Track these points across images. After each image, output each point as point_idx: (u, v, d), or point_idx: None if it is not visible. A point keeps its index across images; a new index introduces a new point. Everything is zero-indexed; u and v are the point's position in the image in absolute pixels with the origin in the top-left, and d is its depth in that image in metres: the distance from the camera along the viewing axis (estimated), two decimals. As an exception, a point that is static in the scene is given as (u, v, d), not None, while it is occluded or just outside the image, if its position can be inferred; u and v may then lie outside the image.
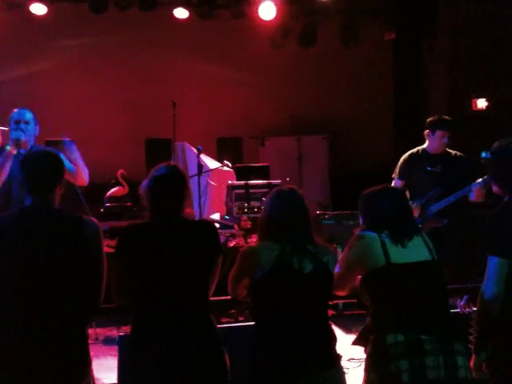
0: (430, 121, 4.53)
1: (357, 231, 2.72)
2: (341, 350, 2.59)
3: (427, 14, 7.28)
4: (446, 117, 4.65)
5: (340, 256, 2.75)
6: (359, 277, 2.68)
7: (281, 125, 8.13)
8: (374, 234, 2.62)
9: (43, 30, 7.42)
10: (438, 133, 4.44)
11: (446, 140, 4.45)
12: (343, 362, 2.62)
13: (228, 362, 2.48)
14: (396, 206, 2.69)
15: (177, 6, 7.37)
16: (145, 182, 2.50)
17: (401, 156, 4.75)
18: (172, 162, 2.69)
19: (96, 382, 2.94)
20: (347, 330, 4.49)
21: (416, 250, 2.62)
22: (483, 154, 3.60)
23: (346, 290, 2.76)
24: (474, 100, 7.16)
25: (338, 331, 2.69)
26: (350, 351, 3.50)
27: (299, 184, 7.58)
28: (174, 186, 2.48)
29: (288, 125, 8.10)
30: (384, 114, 8.16)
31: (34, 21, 7.20)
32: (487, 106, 7.17)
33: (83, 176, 3.74)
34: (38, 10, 7.11)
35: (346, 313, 5.22)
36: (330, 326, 2.56)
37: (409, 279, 2.56)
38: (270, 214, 2.58)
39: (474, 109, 7.07)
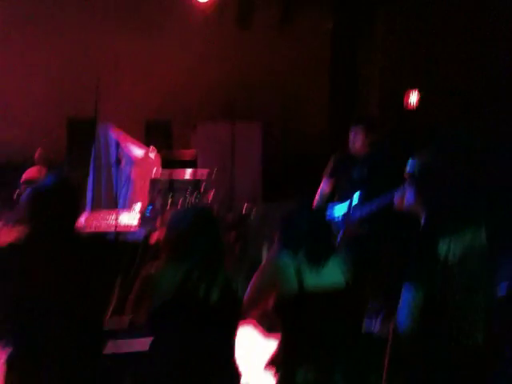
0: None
1: (271, 253, 2.57)
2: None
3: (364, 3, 7.18)
4: (362, 114, 4.51)
5: (254, 277, 2.58)
6: (271, 299, 2.53)
7: (214, 109, 7.84)
8: (288, 257, 2.48)
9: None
10: (351, 130, 4.30)
11: (356, 137, 4.26)
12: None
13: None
14: (312, 227, 2.55)
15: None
16: (24, 195, 2.22)
17: (335, 147, 4.59)
18: (60, 173, 2.39)
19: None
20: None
21: (331, 274, 2.51)
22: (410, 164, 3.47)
23: (256, 313, 2.61)
24: (407, 92, 7.16)
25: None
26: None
27: (230, 173, 7.36)
28: (56, 200, 2.20)
29: (221, 109, 7.82)
30: (319, 102, 8.03)
31: None
32: (420, 99, 7.18)
33: None
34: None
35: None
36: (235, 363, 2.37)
37: (322, 305, 2.45)
38: (180, 236, 2.33)
39: (407, 101, 7.08)
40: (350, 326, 2.56)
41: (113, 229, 4.46)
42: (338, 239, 4.18)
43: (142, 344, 2.57)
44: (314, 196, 4.45)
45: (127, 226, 4.75)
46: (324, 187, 4.43)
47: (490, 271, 2.46)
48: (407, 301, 2.36)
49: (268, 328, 2.67)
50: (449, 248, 2.35)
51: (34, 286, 2.12)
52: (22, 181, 6.51)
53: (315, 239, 2.52)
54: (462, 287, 2.35)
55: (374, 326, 2.96)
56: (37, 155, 6.64)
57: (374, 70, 7.60)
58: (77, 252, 2.22)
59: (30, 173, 6.58)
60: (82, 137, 6.54)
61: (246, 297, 2.47)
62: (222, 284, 2.28)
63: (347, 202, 4.27)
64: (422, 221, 2.53)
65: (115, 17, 7.33)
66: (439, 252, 2.34)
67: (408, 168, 3.34)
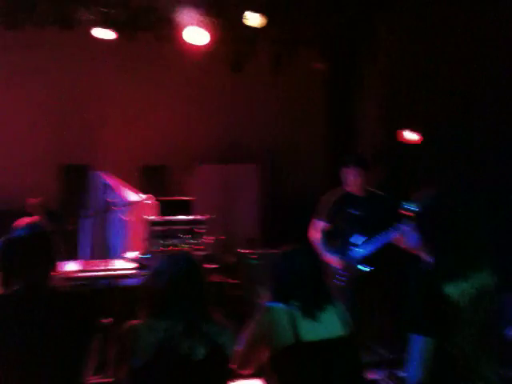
0: (342, 159, 4.38)
1: (263, 301, 2.42)
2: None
3: (359, 47, 7.19)
4: (358, 154, 4.51)
5: (246, 330, 2.43)
6: (266, 353, 2.37)
7: (211, 153, 7.80)
8: (283, 307, 2.32)
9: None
10: (345, 170, 4.26)
11: (355, 178, 4.21)
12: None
13: None
14: (306, 273, 2.41)
15: (100, 25, 6.91)
16: None
17: (333, 188, 4.52)
18: (36, 221, 2.28)
19: None
20: None
21: (328, 324, 2.34)
22: (407, 205, 3.35)
23: (250, 369, 2.44)
24: (405, 133, 7.08)
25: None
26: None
27: (228, 216, 7.25)
28: (29, 252, 2.08)
29: (218, 152, 7.79)
30: (316, 144, 8.00)
31: None
32: (419, 141, 7.12)
33: None
34: None
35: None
36: None
37: (320, 360, 2.28)
38: (160, 288, 2.20)
39: (406, 142, 6.99)
40: (351, 379, 2.39)
41: (106, 277, 4.33)
42: (338, 282, 4.04)
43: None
44: (308, 236, 4.35)
45: (121, 274, 4.61)
46: (321, 227, 4.32)
47: (498, 315, 2.32)
48: (417, 352, 2.20)
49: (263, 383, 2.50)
50: (459, 292, 2.21)
51: (4, 343, 1.98)
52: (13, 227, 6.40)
53: (309, 287, 2.37)
54: (473, 333, 2.21)
55: (379, 377, 2.80)
56: (31, 203, 6.57)
57: (369, 108, 7.56)
58: (51, 306, 2.08)
59: (19, 221, 6.46)
60: (76, 183, 6.47)
61: (237, 351, 2.31)
62: (208, 339, 2.13)
63: (347, 243, 4.16)
64: (429, 263, 2.40)
65: (110, 64, 7.37)
66: (448, 297, 2.20)
67: (410, 207, 3.20)
